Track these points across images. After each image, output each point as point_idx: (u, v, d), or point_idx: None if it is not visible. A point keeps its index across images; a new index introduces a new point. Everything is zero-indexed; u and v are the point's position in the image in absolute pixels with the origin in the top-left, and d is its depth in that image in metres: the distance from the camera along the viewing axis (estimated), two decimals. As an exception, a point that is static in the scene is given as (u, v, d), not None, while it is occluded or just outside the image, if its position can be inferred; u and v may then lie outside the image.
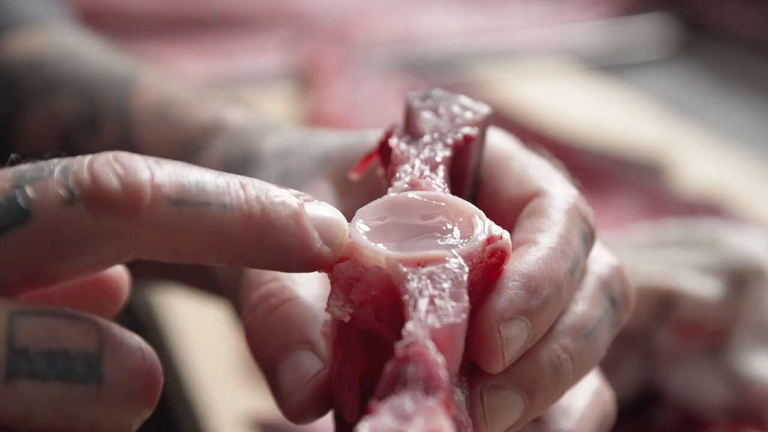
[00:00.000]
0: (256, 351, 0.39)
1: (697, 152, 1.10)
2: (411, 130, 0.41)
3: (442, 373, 0.31)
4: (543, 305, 0.36)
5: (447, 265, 0.33)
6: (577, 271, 0.38)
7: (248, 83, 1.29)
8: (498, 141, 0.43)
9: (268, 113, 1.31)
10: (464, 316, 0.32)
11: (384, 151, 0.41)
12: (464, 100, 0.42)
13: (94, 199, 0.31)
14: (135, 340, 0.33)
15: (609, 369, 0.64)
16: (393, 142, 0.40)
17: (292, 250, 0.33)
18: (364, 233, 0.35)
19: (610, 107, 1.24)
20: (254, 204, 0.33)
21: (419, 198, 0.36)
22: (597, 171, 1.00)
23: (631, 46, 1.40)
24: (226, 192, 0.33)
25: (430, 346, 0.31)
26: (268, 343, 0.38)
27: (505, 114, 1.13)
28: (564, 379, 0.37)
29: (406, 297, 0.32)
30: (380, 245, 0.34)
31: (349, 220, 0.36)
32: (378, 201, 0.37)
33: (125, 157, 0.32)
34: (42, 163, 0.32)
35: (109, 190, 0.31)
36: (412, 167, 0.38)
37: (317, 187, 0.45)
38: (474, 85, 1.26)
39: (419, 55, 1.38)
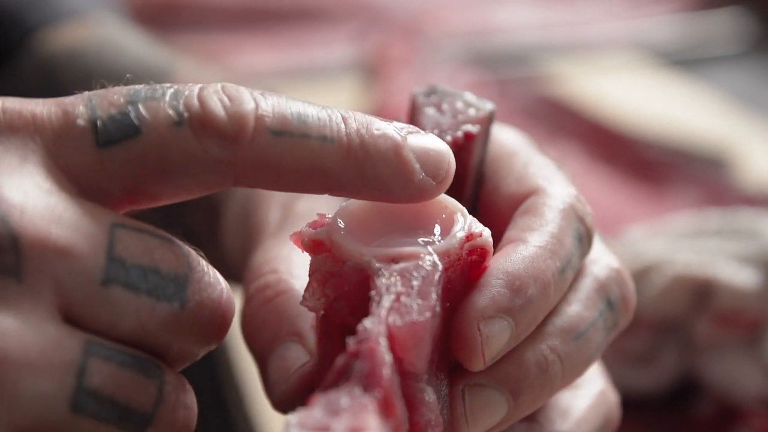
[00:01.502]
0: (250, 341, 0.39)
1: (763, 147, 1.07)
2: (413, 126, 0.41)
3: (385, 372, 0.30)
4: (527, 304, 0.35)
5: (420, 263, 0.33)
6: (568, 272, 0.37)
7: (318, 75, 1.30)
8: (505, 138, 0.43)
9: (334, 105, 1.31)
10: (428, 314, 0.32)
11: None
12: (469, 96, 0.42)
13: (200, 124, 0.32)
14: (217, 274, 0.34)
15: (646, 359, 0.64)
16: (390, 137, 0.40)
17: (392, 181, 0.34)
18: (345, 227, 0.35)
19: (680, 102, 1.22)
20: (354, 136, 0.34)
21: (404, 194, 0.36)
22: (658, 164, 0.99)
23: (706, 41, 1.36)
24: (327, 125, 0.34)
25: (383, 343, 0.31)
26: (261, 334, 0.39)
27: (567, 106, 1.12)
28: (551, 380, 0.37)
29: (372, 293, 0.33)
30: (355, 241, 0.34)
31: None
32: None
33: (232, 88, 0.33)
34: (156, 85, 0.33)
35: (216, 117, 0.32)
36: (404, 162, 0.38)
37: None
38: (544, 78, 1.25)
39: (491, 48, 1.37)
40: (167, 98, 0.33)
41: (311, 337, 0.38)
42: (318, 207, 0.40)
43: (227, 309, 0.34)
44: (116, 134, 0.32)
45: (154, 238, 0.33)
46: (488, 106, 0.41)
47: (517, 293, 0.35)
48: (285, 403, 0.37)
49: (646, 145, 1.02)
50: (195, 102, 0.33)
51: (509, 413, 0.36)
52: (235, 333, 0.39)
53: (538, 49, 1.36)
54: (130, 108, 0.32)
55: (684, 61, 1.31)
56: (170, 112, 0.32)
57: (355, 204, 0.36)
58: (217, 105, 0.33)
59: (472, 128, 0.40)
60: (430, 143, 0.35)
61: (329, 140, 0.34)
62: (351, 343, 0.31)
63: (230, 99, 0.33)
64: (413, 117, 0.42)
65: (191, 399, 0.34)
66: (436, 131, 0.40)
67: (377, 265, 0.33)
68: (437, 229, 0.35)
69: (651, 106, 1.17)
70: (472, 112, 0.41)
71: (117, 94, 0.33)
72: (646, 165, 0.99)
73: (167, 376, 0.33)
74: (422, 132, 0.35)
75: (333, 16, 1.49)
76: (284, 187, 0.34)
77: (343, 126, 0.34)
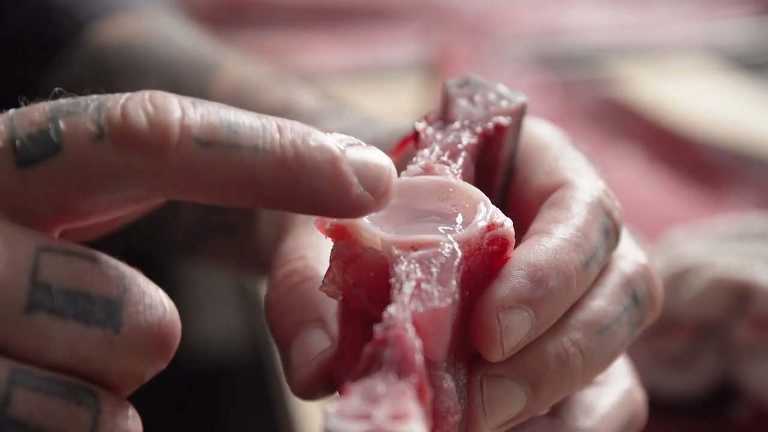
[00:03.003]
0: (275, 326, 0.39)
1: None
2: (445, 117, 0.41)
3: (417, 357, 0.30)
4: (548, 296, 0.35)
5: (439, 250, 0.33)
6: (593, 265, 0.37)
7: (382, 73, 1.31)
8: (538, 131, 0.43)
9: (397, 103, 1.31)
10: (449, 301, 0.32)
11: (417, 135, 0.41)
12: (501, 88, 0.42)
13: (121, 136, 0.31)
14: (159, 294, 0.33)
15: (684, 362, 0.63)
16: (420, 126, 0.40)
17: (328, 194, 0.33)
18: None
19: (746, 106, 1.19)
20: (288, 147, 0.33)
21: (428, 182, 0.36)
22: (718, 167, 0.98)
23: (777, 45, 1.33)
24: (260, 135, 0.33)
25: (410, 329, 0.31)
26: (285, 319, 0.39)
27: (629, 108, 1.10)
28: (572, 374, 0.36)
29: (392, 280, 0.33)
30: (377, 227, 0.34)
31: None
32: None
33: (159, 96, 0.32)
34: (80, 99, 0.33)
35: (137, 129, 0.31)
36: (431, 152, 0.38)
37: None
38: (609, 80, 1.24)
39: (558, 48, 1.36)
40: (89, 111, 0.32)
41: (335, 324, 0.38)
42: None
43: (169, 330, 0.33)
44: (36, 153, 0.31)
45: (84, 261, 0.32)
46: (520, 98, 0.41)
47: (539, 285, 0.35)
48: (305, 388, 0.37)
49: (706, 148, 1.01)
50: (117, 113, 0.31)
51: (528, 406, 0.36)
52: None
53: (606, 51, 1.34)
54: (50, 125, 0.32)
55: (754, 64, 1.28)
56: (91, 126, 0.31)
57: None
58: (139, 115, 0.31)
59: (503, 120, 0.40)
60: (369, 156, 0.34)
61: (262, 150, 0.32)
62: (378, 330, 0.31)
63: (155, 108, 0.32)
64: (445, 107, 0.42)
65: (134, 425, 0.33)
66: (465, 122, 0.40)
67: (396, 251, 0.33)
68: (459, 218, 0.35)
69: (716, 109, 1.15)
70: (504, 104, 0.41)
71: (39, 111, 0.32)
72: (706, 168, 0.98)
73: (104, 403, 0.32)
74: (363, 144, 0.34)
75: (400, 15, 1.49)
76: (216, 200, 0.33)
77: (277, 135, 0.33)
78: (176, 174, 0.32)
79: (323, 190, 0.33)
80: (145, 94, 0.32)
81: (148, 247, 0.63)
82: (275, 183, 0.33)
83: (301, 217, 0.44)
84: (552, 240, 0.36)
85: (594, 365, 0.37)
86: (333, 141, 0.33)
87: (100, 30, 0.63)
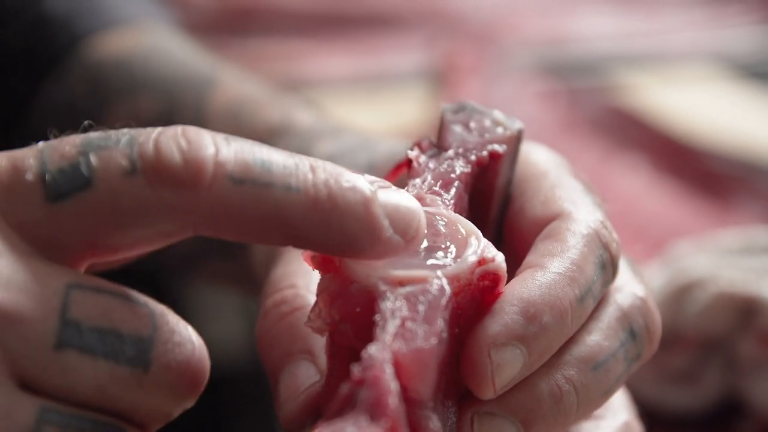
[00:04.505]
0: (264, 356, 0.39)
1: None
2: (439, 143, 0.40)
3: (392, 401, 0.30)
4: (541, 333, 0.34)
5: (427, 287, 0.32)
6: (588, 300, 0.36)
7: (388, 81, 1.30)
8: (536, 158, 0.42)
9: (402, 112, 1.30)
10: (434, 341, 0.31)
11: (410, 163, 0.40)
12: (498, 115, 0.41)
13: (154, 171, 0.31)
14: (188, 331, 0.33)
15: (689, 377, 0.62)
16: (413, 154, 0.39)
17: (360, 236, 0.33)
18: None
19: (753, 115, 1.18)
20: (321, 188, 0.32)
21: (419, 214, 0.35)
22: (725, 177, 0.97)
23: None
24: (293, 174, 0.32)
25: (388, 371, 0.30)
26: (274, 350, 0.38)
27: (635, 117, 1.10)
28: (565, 411, 0.35)
29: (377, 317, 0.32)
30: (365, 261, 0.34)
31: None
32: None
33: (193, 131, 0.32)
34: (112, 132, 0.32)
35: (171, 164, 0.31)
36: (423, 181, 0.38)
37: None
38: (615, 88, 1.23)
39: (564, 57, 1.35)
40: (121, 146, 0.31)
41: (323, 356, 0.37)
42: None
43: (198, 368, 0.33)
44: (66, 187, 0.31)
45: (115, 299, 0.32)
46: (516, 125, 0.40)
47: (532, 321, 0.34)
48: (292, 423, 0.37)
49: (713, 157, 1.00)
50: (149, 148, 0.31)
51: (520, 443, 0.35)
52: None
53: (613, 59, 1.34)
54: (81, 159, 0.31)
55: (761, 73, 1.27)
56: (123, 161, 0.31)
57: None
58: (172, 151, 0.31)
59: (499, 148, 0.39)
60: (400, 199, 0.33)
61: (294, 190, 0.32)
62: (355, 370, 0.31)
63: (189, 143, 0.31)
64: (441, 133, 0.41)
65: None
66: (460, 149, 0.39)
67: (383, 287, 0.33)
68: (450, 252, 0.34)
69: (723, 118, 1.14)
70: (499, 130, 0.40)
71: (69, 144, 0.32)
72: (712, 178, 0.97)
73: None
74: (393, 187, 0.34)
75: (406, 23, 1.48)
76: (246, 238, 0.32)
77: (310, 175, 0.32)
78: (208, 211, 0.32)
79: (355, 232, 0.33)
80: (178, 129, 0.32)
81: (146, 268, 0.63)
82: (307, 223, 0.32)
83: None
84: (546, 274, 0.35)
85: (589, 402, 0.36)
86: (365, 183, 0.33)
87: (97, 45, 0.62)
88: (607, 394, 0.37)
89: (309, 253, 0.35)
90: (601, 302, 0.38)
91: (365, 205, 0.33)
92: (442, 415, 0.33)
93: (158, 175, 0.31)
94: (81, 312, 0.31)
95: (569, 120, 1.16)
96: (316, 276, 0.40)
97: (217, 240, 0.55)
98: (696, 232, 0.87)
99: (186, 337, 0.33)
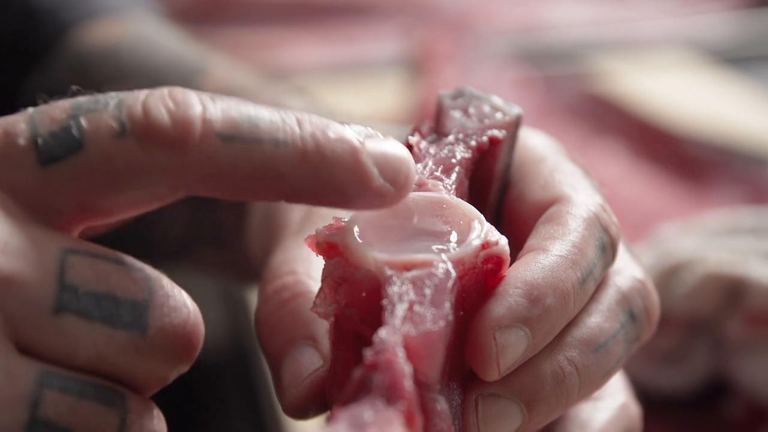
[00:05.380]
0: (265, 343, 0.39)
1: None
2: (439, 129, 0.41)
3: (407, 383, 0.30)
4: (545, 315, 0.35)
5: (433, 271, 0.33)
6: (590, 282, 0.36)
7: (364, 70, 1.30)
8: (533, 143, 0.42)
9: (379, 100, 1.30)
10: (442, 323, 0.32)
11: (410, 149, 0.40)
12: (496, 100, 0.41)
13: (144, 132, 0.31)
14: (183, 296, 0.33)
15: (676, 358, 0.62)
16: (413, 140, 0.40)
17: (350, 186, 0.33)
18: (360, 232, 0.34)
19: (728, 100, 1.19)
20: (309, 140, 0.33)
21: (421, 199, 0.36)
22: (702, 162, 0.98)
23: (758, 40, 1.34)
24: (281, 128, 0.32)
25: (400, 354, 0.30)
26: (276, 336, 0.38)
27: (612, 104, 1.10)
28: (568, 392, 0.36)
29: (385, 301, 0.32)
30: (369, 245, 0.34)
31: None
32: None
33: (179, 92, 0.32)
34: (100, 96, 0.33)
35: (159, 125, 0.31)
36: (424, 167, 0.38)
37: None
38: (591, 75, 1.23)
39: (540, 44, 1.35)
40: (110, 109, 0.32)
41: (326, 341, 0.37)
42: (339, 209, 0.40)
43: (193, 332, 0.33)
44: (58, 151, 0.31)
45: (110, 264, 0.32)
46: (515, 110, 0.41)
47: (535, 303, 0.34)
48: (296, 408, 0.37)
49: (690, 143, 1.02)
50: (138, 110, 0.31)
51: (523, 425, 0.35)
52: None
53: (588, 46, 1.34)
54: (72, 122, 0.31)
55: (735, 59, 1.28)
56: (112, 123, 0.31)
57: (371, 208, 0.35)
58: (160, 111, 0.31)
59: (498, 133, 0.40)
60: (389, 148, 0.34)
61: (283, 144, 0.32)
62: (368, 354, 0.31)
63: (176, 104, 0.32)
64: (439, 119, 0.41)
65: (160, 425, 0.33)
66: (459, 135, 0.40)
67: (389, 272, 0.33)
68: (453, 236, 0.35)
69: (699, 104, 1.15)
70: (498, 116, 0.40)
71: (59, 108, 0.32)
72: (689, 163, 0.99)
73: (131, 404, 0.32)
74: (381, 136, 0.34)
75: (381, 11, 1.48)
76: (239, 195, 0.33)
77: (297, 129, 0.33)
78: (199, 169, 0.32)
79: (345, 182, 0.33)
80: (165, 91, 0.32)
81: (136, 254, 0.63)
82: (297, 176, 0.32)
83: (291, 230, 0.43)
84: (548, 257, 0.36)
85: (590, 383, 0.36)
86: (352, 133, 0.33)
87: (85, 34, 0.62)
88: (607, 375, 0.37)
89: (312, 238, 0.35)
90: (601, 285, 0.38)
91: (353, 154, 0.33)
92: (447, 397, 0.34)
93: (148, 136, 0.31)
94: (78, 277, 0.31)
95: (546, 107, 1.17)
96: (315, 262, 0.40)
97: (208, 227, 0.55)
98: (676, 215, 0.88)
99: (181, 301, 0.33)
